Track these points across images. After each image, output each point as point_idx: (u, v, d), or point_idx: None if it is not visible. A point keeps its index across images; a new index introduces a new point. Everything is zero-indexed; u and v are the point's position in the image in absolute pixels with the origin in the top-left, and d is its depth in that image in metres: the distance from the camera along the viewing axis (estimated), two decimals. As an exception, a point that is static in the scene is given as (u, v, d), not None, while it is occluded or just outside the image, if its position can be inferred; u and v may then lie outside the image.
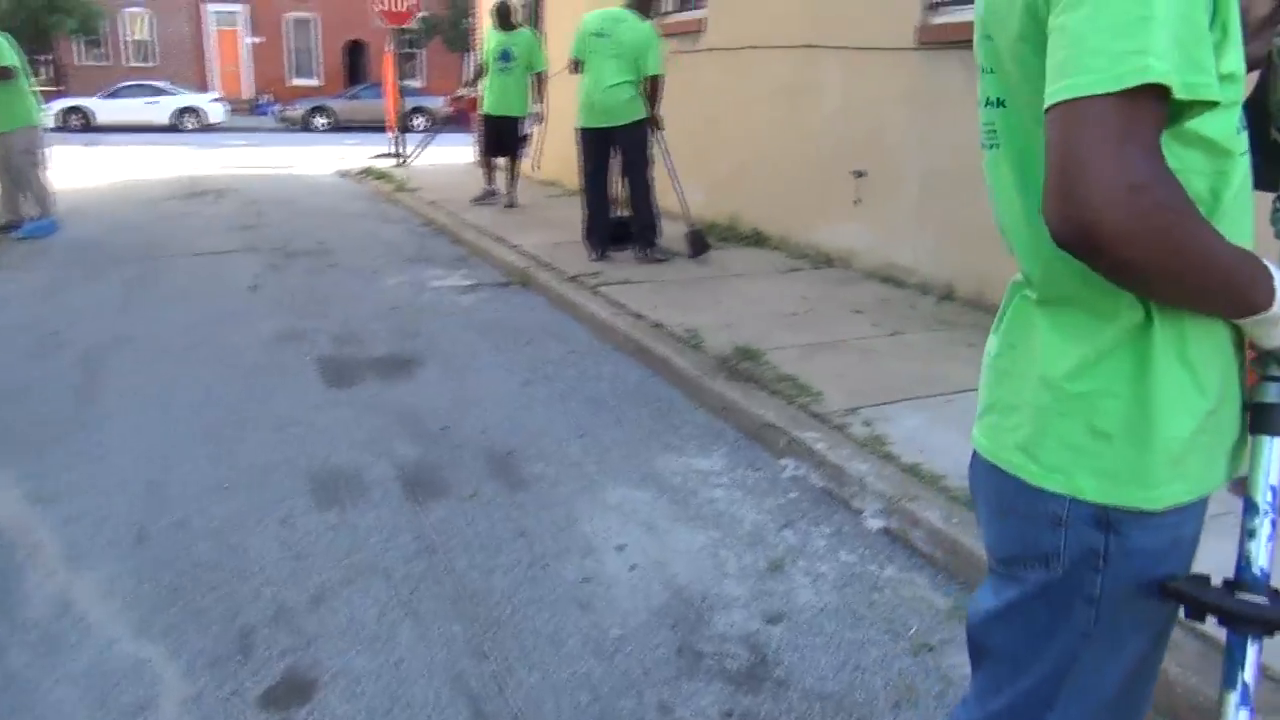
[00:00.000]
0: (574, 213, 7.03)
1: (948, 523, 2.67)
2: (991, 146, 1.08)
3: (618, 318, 4.95)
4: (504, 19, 8.93)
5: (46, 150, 7.93)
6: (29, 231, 7.74)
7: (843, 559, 2.74)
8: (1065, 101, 0.84)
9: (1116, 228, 0.81)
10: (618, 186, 6.54)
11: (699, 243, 6.42)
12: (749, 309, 5.07)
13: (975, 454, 1.17)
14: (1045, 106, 0.86)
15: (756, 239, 6.95)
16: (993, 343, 1.16)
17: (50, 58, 31.21)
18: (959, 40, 5.03)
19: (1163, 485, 0.99)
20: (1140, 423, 0.97)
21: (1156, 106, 0.83)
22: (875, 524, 2.89)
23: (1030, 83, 0.94)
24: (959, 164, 5.08)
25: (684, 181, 8.06)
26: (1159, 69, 0.81)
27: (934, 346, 4.38)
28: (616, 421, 3.82)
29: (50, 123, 24.59)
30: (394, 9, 13.36)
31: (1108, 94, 0.81)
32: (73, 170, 14.14)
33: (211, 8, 33.21)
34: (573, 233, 6.95)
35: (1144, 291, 0.93)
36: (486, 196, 9.44)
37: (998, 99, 1.05)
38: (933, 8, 5.31)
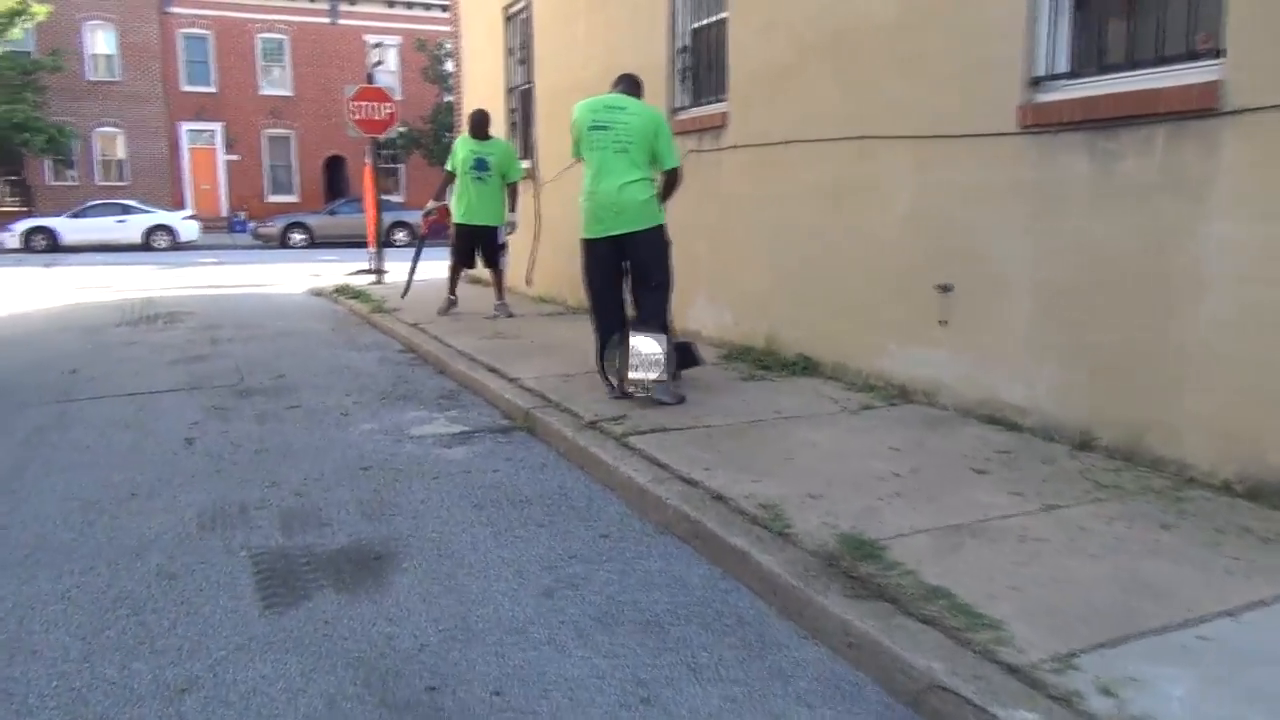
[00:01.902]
0: (579, 334, 5.89)
1: None
2: None
3: (662, 485, 3.71)
4: (481, 128, 8.83)
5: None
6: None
7: None
8: None
9: None
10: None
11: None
12: (832, 468, 3.85)
13: None
14: None
15: (805, 366, 5.77)
16: None
17: (19, 178, 30.56)
18: (1083, 121, 3.99)
19: None
20: None
21: None
22: None
23: None
24: (1092, 275, 3.98)
25: (708, 300, 6.99)
26: None
27: (1115, 530, 3.15)
28: (690, 668, 2.55)
29: (13, 243, 23.74)
30: (371, 117, 12.58)
31: None
32: (16, 293, 12.99)
33: (187, 126, 32.75)
34: (581, 361, 5.80)
35: None
36: (450, 307, 8.97)
37: None
38: (1036, 83, 4.29)
